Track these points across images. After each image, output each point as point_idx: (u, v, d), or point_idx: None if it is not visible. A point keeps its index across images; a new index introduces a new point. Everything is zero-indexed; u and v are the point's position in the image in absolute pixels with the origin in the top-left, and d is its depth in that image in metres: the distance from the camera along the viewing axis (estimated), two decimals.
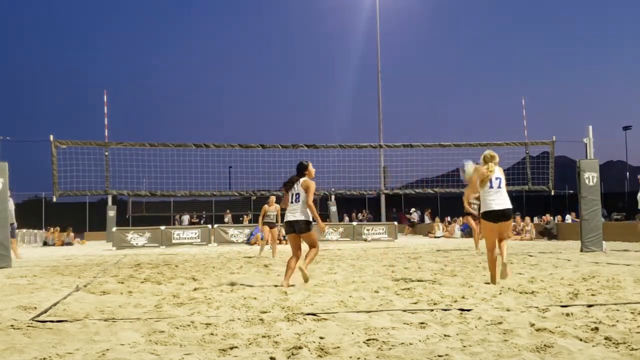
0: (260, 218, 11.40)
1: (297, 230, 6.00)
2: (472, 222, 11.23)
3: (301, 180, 6.07)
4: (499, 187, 5.73)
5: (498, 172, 5.79)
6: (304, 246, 6.17)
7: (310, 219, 6.02)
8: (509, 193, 6.03)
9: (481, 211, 5.80)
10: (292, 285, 5.89)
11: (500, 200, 5.73)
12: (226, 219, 28.09)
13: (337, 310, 4.29)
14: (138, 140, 11.67)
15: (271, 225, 11.30)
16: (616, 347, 2.99)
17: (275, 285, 6.00)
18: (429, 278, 6.43)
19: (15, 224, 13.32)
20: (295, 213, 5.99)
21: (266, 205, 11.33)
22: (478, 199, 11.52)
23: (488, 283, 5.84)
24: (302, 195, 6.00)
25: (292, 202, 6.06)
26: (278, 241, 18.45)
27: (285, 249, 11.09)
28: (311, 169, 6.22)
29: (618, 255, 9.77)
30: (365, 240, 19.45)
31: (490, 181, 5.73)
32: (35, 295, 5.46)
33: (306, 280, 5.93)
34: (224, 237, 18.85)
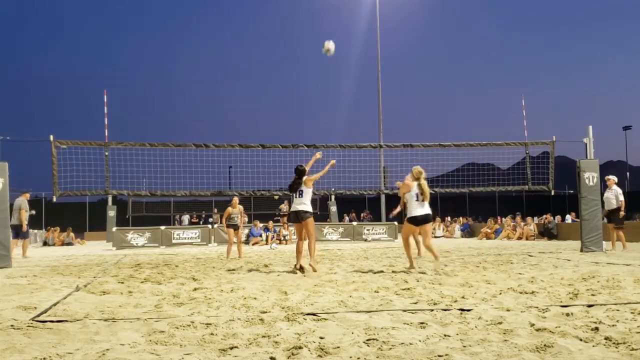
0: (224, 220, 11.30)
1: (300, 218, 7.42)
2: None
3: (303, 179, 7.53)
4: (422, 201, 7.20)
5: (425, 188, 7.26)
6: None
7: (311, 210, 7.54)
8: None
9: (407, 217, 7.26)
10: (302, 269, 7.26)
11: (422, 209, 7.20)
12: (211, 220, 27.91)
13: (337, 310, 4.28)
14: (138, 140, 11.65)
15: (235, 227, 11.22)
16: (616, 347, 2.99)
17: (288, 272, 6.88)
18: (429, 278, 6.43)
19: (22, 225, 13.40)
20: (299, 205, 7.47)
21: (230, 208, 11.25)
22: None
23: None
24: (305, 191, 7.49)
25: (297, 197, 7.53)
26: (278, 241, 18.51)
27: (286, 248, 11.11)
28: (307, 168, 7.76)
29: (618, 255, 9.77)
30: (366, 240, 19.44)
31: (417, 195, 7.17)
32: (35, 295, 5.45)
33: (315, 271, 7.27)
34: (224, 237, 18.84)
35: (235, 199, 11.48)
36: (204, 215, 31.36)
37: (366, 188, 14.80)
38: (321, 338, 3.31)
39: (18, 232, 13.42)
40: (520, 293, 5.04)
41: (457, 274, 6.74)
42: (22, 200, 13.39)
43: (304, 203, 7.48)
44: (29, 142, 12.95)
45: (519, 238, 18.71)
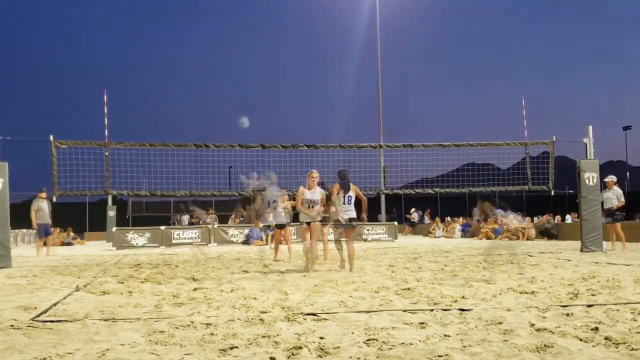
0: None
1: (352, 226, 7.61)
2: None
3: (351, 185, 7.61)
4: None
5: (318, 193, 7.93)
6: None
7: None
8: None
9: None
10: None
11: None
12: (209, 220, 27.70)
13: (337, 310, 4.28)
14: (138, 140, 11.64)
15: (280, 227, 10.97)
16: (616, 347, 2.99)
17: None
18: (429, 278, 6.43)
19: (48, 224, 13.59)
20: (350, 213, 7.57)
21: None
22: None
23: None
24: (352, 197, 7.57)
25: (345, 204, 7.56)
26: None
27: (286, 248, 11.09)
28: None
29: (618, 255, 9.77)
30: (365, 240, 19.43)
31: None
32: (35, 295, 5.45)
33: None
34: (224, 237, 18.85)
35: (283, 197, 11.10)
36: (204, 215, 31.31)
37: (366, 188, 14.77)
38: (321, 338, 3.31)
39: (41, 232, 13.70)
40: (520, 293, 5.04)
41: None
42: (34, 200, 13.60)
43: (353, 210, 7.61)
44: (29, 142, 12.94)
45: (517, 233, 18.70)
